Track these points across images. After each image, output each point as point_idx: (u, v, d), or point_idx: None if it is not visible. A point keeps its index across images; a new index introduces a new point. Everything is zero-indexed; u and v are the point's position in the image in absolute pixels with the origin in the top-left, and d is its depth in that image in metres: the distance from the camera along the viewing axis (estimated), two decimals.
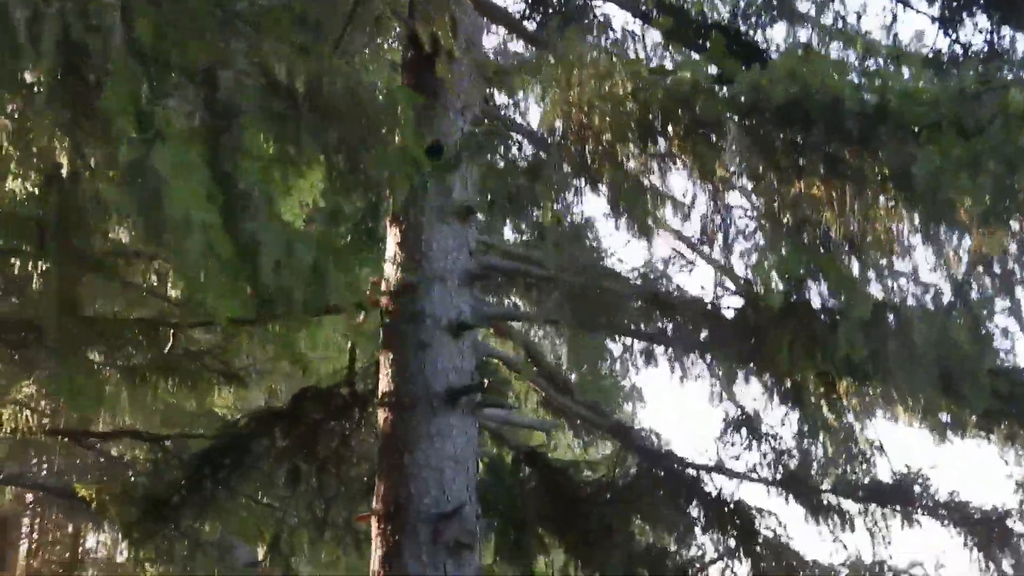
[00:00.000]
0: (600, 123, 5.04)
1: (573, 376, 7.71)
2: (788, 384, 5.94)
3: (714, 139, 4.81)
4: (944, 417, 5.43)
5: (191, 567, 10.13)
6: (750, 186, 5.14)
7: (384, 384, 6.15)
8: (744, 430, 7.64)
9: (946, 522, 6.77)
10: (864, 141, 4.46)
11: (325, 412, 8.31)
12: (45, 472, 14.40)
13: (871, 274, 4.85)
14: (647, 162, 5.21)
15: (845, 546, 7.22)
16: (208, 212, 3.35)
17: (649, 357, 6.92)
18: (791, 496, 6.92)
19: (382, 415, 6.11)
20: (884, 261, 4.82)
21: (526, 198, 6.10)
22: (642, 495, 7.30)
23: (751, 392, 7.18)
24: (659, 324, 6.29)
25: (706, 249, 6.22)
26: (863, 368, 4.95)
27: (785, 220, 4.78)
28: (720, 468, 7.11)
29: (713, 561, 8.06)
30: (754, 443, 7.62)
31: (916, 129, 4.34)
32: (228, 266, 3.52)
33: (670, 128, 4.86)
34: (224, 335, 10.55)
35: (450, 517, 5.81)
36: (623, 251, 28.67)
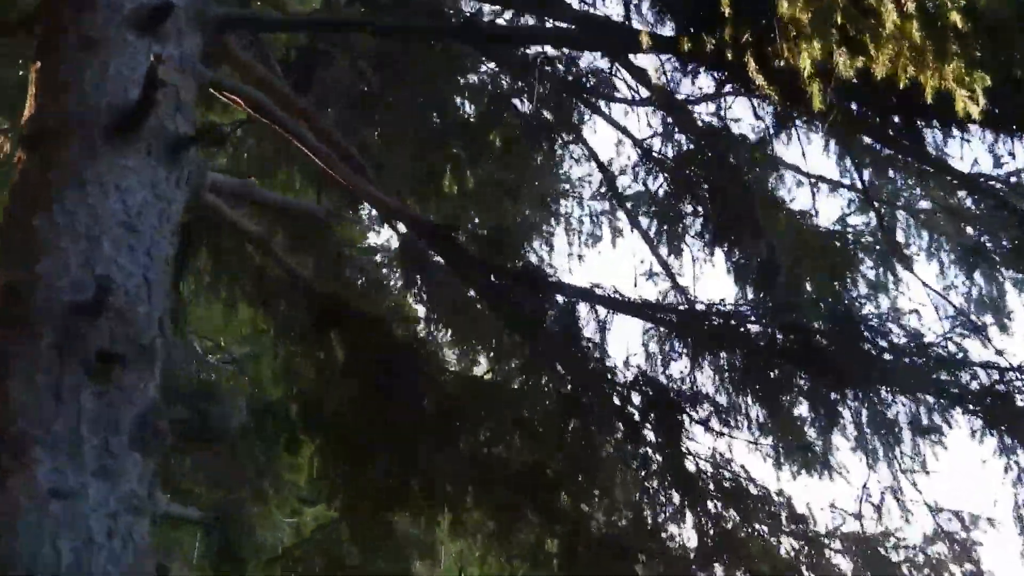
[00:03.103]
0: None
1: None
2: None
3: None
4: None
5: None
6: None
7: (28, 110, 3.73)
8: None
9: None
10: None
11: None
12: None
13: None
14: None
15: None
16: None
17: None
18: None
19: (18, 158, 3.67)
20: None
21: None
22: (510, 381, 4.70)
23: None
24: None
25: None
26: None
27: None
28: (636, 306, 4.42)
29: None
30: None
31: None
32: None
33: None
34: None
35: (91, 310, 3.28)
36: None
